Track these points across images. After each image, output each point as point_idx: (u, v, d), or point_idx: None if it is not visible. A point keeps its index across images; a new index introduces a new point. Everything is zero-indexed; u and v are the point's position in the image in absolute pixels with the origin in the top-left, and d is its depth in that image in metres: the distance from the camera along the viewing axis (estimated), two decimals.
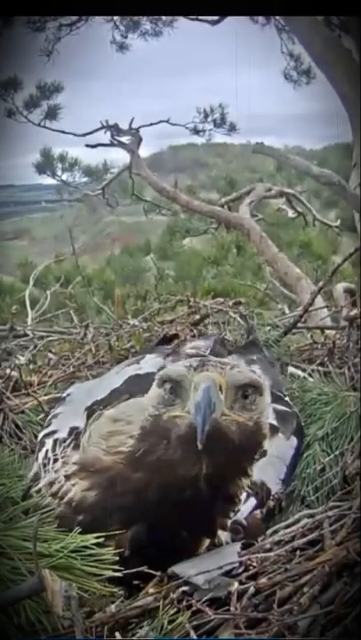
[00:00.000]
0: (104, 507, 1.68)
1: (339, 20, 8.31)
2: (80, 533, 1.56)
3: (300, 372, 2.80)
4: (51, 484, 1.80)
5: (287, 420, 2.18)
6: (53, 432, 1.99)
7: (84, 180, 11.67)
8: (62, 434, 1.95)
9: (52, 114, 10.27)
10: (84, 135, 10.35)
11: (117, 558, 1.54)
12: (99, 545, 1.52)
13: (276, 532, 1.71)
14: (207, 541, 1.68)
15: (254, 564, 1.57)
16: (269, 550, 1.62)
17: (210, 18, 9.34)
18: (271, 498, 1.90)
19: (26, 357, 3.27)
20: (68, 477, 1.78)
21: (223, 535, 1.71)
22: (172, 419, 1.59)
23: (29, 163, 11.26)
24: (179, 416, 1.58)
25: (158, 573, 1.59)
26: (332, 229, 10.59)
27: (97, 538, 1.53)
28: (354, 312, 3.27)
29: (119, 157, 11.05)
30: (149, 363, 2.21)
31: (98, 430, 1.81)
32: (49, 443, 1.94)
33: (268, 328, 3.19)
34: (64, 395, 2.30)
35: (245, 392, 1.62)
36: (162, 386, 1.64)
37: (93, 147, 10.51)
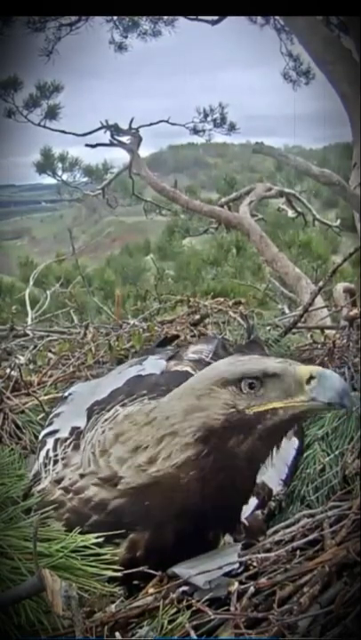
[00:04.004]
0: (130, 511, 1.61)
1: (338, 20, 8.30)
2: (91, 530, 1.56)
3: None
4: (60, 479, 1.77)
5: None
6: (55, 431, 1.99)
7: (84, 179, 11.69)
8: (64, 433, 1.94)
9: (51, 114, 10.27)
10: (84, 135, 10.37)
11: (117, 558, 1.54)
12: (99, 545, 1.52)
13: (276, 531, 1.71)
14: (223, 541, 1.66)
15: (254, 563, 1.57)
16: (269, 550, 1.62)
17: (209, 18, 9.36)
18: (273, 498, 1.90)
19: (26, 357, 3.27)
20: (83, 476, 1.72)
21: (226, 535, 1.69)
22: (263, 412, 1.58)
23: (29, 162, 11.31)
24: (283, 407, 1.59)
25: (158, 573, 1.58)
26: (332, 229, 10.59)
27: (97, 538, 1.53)
28: (354, 312, 3.25)
29: (119, 157, 11.09)
30: (152, 364, 2.21)
31: (121, 443, 1.69)
32: (50, 442, 1.94)
33: (269, 328, 3.19)
34: (66, 394, 2.29)
35: None
36: (236, 384, 1.60)
37: (93, 146, 10.52)
